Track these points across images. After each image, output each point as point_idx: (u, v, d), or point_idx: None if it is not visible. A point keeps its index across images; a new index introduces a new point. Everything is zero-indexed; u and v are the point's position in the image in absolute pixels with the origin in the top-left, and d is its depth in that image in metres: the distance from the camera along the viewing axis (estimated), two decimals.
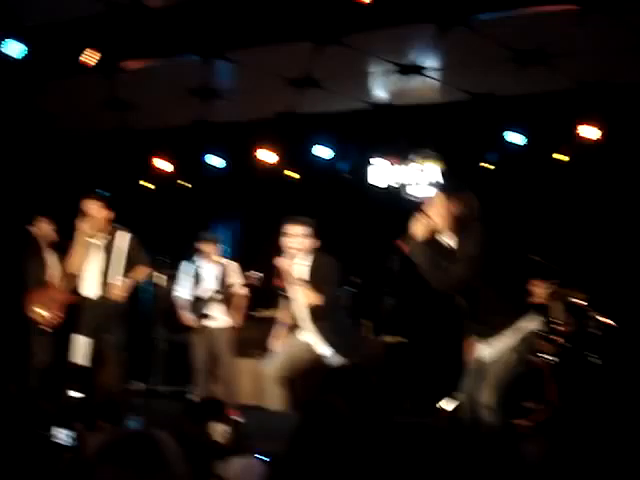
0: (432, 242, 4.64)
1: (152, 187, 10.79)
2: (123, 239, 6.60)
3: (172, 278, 8.62)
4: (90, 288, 6.53)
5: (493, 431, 4.35)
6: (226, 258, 8.22)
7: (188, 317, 7.53)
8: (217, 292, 7.50)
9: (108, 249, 6.54)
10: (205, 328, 7.48)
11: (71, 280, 6.65)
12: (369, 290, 8.67)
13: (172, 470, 1.67)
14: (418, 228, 4.59)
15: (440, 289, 4.58)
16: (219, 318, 7.50)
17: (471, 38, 7.37)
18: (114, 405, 3.40)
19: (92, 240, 6.48)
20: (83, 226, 6.40)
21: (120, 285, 6.44)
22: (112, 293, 6.41)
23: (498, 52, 7.70)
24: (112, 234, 6.58)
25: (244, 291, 7.61)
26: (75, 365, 5.21)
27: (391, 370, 7.82)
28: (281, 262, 5.91)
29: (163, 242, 10.40)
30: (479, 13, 7.06)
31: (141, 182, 10.77)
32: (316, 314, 5.88)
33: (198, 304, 7.53)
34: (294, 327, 6.05)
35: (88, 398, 3.31)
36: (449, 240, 4.62)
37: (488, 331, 4.56)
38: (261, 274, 7.21)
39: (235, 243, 10.95)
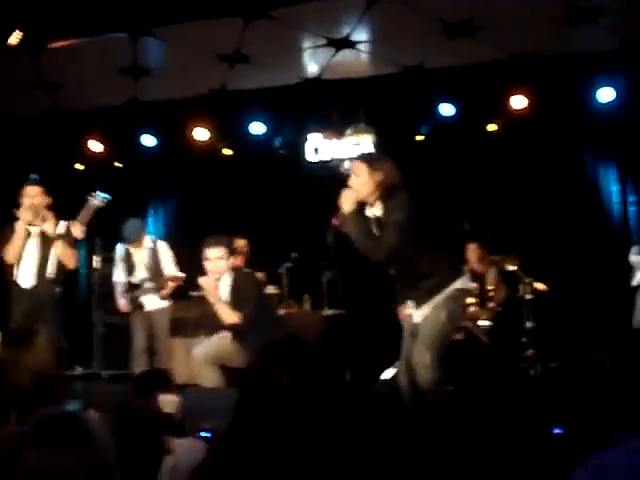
0: (361, 213, 4.69)
1: (81, 168, 10.60)
2: (58, 227, 6.47)
3: (106, 261, 8.54)
4: (25, 277, 6.40)
5: (429, 389, 4.41)
6: (158, 239, 8.16)
7: (122, 303, 7.50)
8: (148, 278, 7.45)
9: (43, 237, 6.42)
10: (141, 311, 7.44)
11: (9, 270, 6.51)
12: (307, 265, 8.74)
13: (98, 446, 1.68)
14: (345, 201, 4.63)
15: (373, 259, 4.62)
16: (154, 301, 7.47)
17: (400, 10, 7.40)
18: (49, 391, 3.34)
19: (30, 227, 6.36)
20: (23, 214, 6.26)
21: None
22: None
23: (427, 24, 7.75)
24: (48, 221, 6.44)
25: (175, 273, 7.56)
26: None
27: (331, 342, 7.88)
28: (204, 282, 6.04)
29: (98, 224, 10.29)
30: None
31: (74, 165, 10.59)
32: (237, 331, 5.99)
33: (131, 289, 7.49)
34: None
35: None
36: (378, 210, 4.66)
37: (422, 296, 4.63)
38: (183, 274, 7.37)
39: (170, 222, 10.88)
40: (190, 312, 8.45)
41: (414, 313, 4.69)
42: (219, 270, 6.08)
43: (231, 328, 6.05)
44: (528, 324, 7.57)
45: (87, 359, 9.08)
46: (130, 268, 7.53)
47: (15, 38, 7.26)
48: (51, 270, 6.42)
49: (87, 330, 9.20)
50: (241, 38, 8.03)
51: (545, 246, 8.67)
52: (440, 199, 8.92)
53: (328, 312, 8.43)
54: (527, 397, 5.80)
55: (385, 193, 4.60)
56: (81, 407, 4.79)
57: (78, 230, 6.57)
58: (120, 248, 7.64)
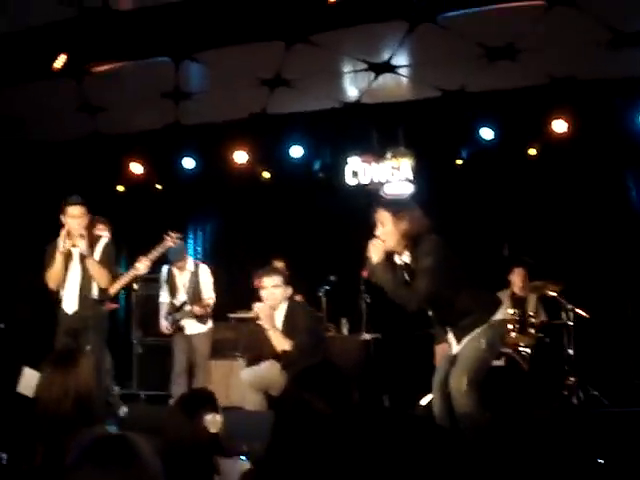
0: (391, 262, 4.66)
1: (122, 190, 10.71)
2: (99, 245, 6.30)
3: (146, 282, 8.62)
4: (68, 302, 6.20)
5: (465, 414, 4.36)
6: (199, 260, 8.23)
7: (164, 325, 7.57)
8: (188, 301, 7.49)
9: (84, 258, 6.15)
10: (182, 334, 7.50)
11: (52, 293, 6.28)
12: (346, 288, 8.71)
13: (145, 467, 1.68)
14: (374, 251, 4.61)
15: (409, 309, 4.59)
16: (194, 325, 7.51)
17: (441, 35, 7.40)
18: (90, 412, 3.36)
19: (72, 249, 6.12)
20: (65, 234, 5.99)
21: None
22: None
23: (468, 48, 7.74)
24: (93, 241, 6.24)
25: (207, 300, 7.58)
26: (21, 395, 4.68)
27: (369, 367, 7.84)
28: (259, 309, 6.06)
29: (138, 246, 10.39)
30: (448, 10, 7.09)
31: (115, 186, 10.71)
32: (288, 360, 5.99)
33: (173, 311, 7.55)
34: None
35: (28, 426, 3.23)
36: (407, 258, 4.63)
37: (460, 333, 4.60)
38: (213, 300, 7.53)
39: (209, 244, 10.95)
40: (229, 334, 8.48)
41: (453, 346, 4.66)
42: (274, 298, 6.12)
43: (282, 356, 6.04)
44: (569, 351, 7.46)
45: (125, 379, 9.14)
46: (172, 290, 7.60)
47: (59, 62, 7.39)
48: (95, 290, 6.25)
49: (126, 350, 9.26)
50: (282, 62, 8.08)
51: (588, 271, 8.55)
52: (480, 224, 8.87)
53: (366, 336, 8.39)
54: (568, 425, 5.71)
55: (411, 241, 4.57)
56: (119, 427, 4.81)
57: (144, 265, 6.61)
58: (164, 270, 7.72)
